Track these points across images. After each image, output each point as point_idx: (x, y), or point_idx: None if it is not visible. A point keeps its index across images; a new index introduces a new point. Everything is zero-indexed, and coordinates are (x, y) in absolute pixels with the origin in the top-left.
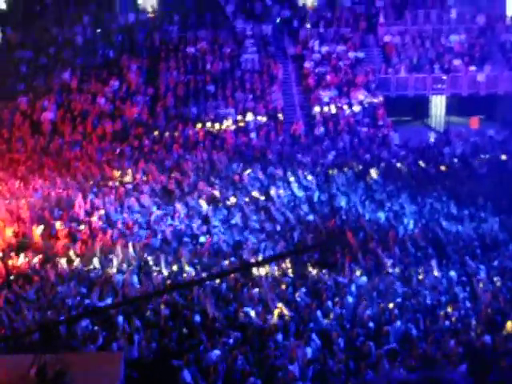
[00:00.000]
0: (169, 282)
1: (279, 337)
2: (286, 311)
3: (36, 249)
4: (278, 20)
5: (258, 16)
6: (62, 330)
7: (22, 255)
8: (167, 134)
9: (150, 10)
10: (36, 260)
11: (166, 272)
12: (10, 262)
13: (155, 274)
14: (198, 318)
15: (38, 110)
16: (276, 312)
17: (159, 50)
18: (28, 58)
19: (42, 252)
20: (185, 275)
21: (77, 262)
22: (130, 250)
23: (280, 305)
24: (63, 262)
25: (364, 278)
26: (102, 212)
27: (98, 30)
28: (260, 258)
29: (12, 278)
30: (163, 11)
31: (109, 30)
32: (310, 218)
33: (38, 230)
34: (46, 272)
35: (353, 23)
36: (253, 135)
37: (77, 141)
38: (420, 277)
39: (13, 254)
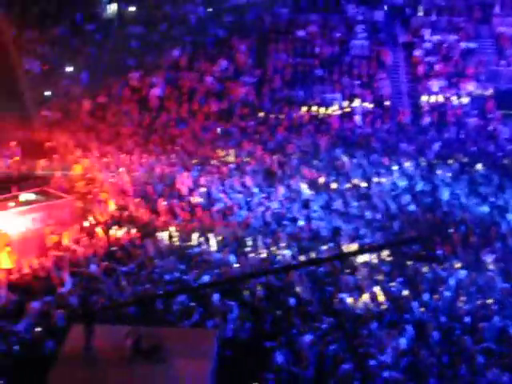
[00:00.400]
0: (266, 263)
1: (373, 325)
2: (381, 298)
3: (137, 223)
4: (385, 7)
5: (370, 2)
6: (159, 304)
7: (123, 228)
8: (272, 115)
9: None
10: (137, 234)
11: (263, 253)
12: (111, 235)
13: (253, 254)
14: (292, 301)
15: (146, 85)
16: (367, 296)
17: (269, 31)
18: (140, 34)
19: (143, 226)
20: (282, 257)
21: (176, 238)
22: (230, 229)
23: (376, 288)
24: (163, 237)
25: (463, 272)
26: (204, 190)
27: (210, 9)
28: (358, 245)
29: (113, 250)
30: None
31: (220, 10)
32: (412, 208)
33: (140, 204)
34: (146, 246)
35: (467, 13)
36: (358, 121)
37: (183, 118)
38: None
39: (115, 226)
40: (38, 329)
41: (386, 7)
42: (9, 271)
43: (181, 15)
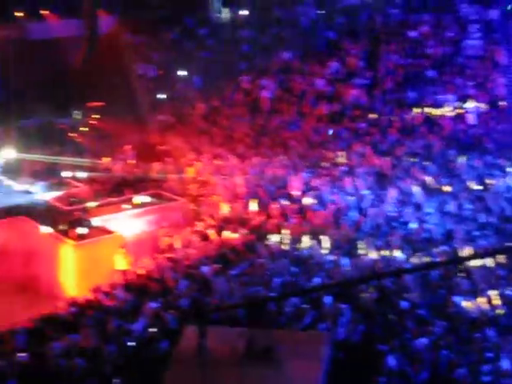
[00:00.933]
0: (378, 266)
1: (489, 330)
2: (497, 302)
3: (249, 225)
4: (508, 7)
5: (484, 1)
6: (271, 306)
7: (235, 231)
8: (384, 117)
9: None
10: (248, 236)
11: (375, 256)
12: (223, 237)
13: (365, 257)
14: (405, 304)
15: (257, 88)
16: (482, 300)
17: (380, 32)
18: (251, 37)
19: (254, 228)
20: (394, 260)
21: (288, 240)
22: (341, 231)
23: (491, 292)
24: (275, 239)
25: None
26: (316, 192)
27: (321, 11)
28: (472, 248)
29: (225, 252)
30: None
31: (331, 11)
32: None
33: (252, 207)
34: (258, 249)
35: None
36: (472, 122)
37: (294, 121)
38: None
39: (227, 228)
40: (153, 329)
41: (508, 7)
42: (124, 272)
43: (292, 18)
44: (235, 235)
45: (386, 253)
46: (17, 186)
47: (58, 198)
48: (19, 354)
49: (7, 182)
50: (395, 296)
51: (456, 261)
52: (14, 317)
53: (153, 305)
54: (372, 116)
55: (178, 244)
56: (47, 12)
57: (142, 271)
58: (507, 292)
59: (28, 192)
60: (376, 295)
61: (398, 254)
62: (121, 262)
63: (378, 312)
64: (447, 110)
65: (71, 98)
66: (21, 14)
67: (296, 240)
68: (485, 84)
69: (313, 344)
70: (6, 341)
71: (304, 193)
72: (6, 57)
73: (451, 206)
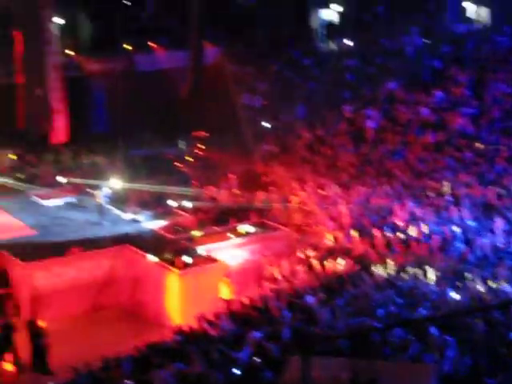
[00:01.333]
0: (485, 297)
1: None
2: None
3: (353, 255)
4: None
5: None
6: (375, 337)
7: (339, 260)
8: (491, 146)
9: (479, 20)
10: (352, 266)
11: (482, 288)
12: (327, 266)
13: (472, 288)
14: None
15: (361, 118)
16: None
17: (488, 60)
18: (355, 66)
19: (359, 258)
20: (503, 292)
21: (393, 270)
22: (447, 262)
23: None
24: (379, 269)
25: None
26: (420, 222)
27: (426, 41)
28: None
29: (329, 281)
30: (493, 22)
31: (437, 41)
32: None
33: (356, 237)
34: (363, 279)
35: None
36: None
37: (398, 150)
38: None
39: (330, 258)
40: (257, 359)
41: None
42: (228, 301)
43: (398, 47)
44: (339, 265)
45: (493, 284)
46: (124, 215)
47: (164, 227)
48: (126, 381)
49: (115, 211)
50: (504, 328)
51: None
52: (120, 344)
53: (256, 334)
54: (478, 145)
55: (281, 273)
56: (154, 44)
57: (245, 300)
58: None
59: (135, 221)
60: (484, 327)
61: (505, 285)
62: (225, 291)
63: (486, 344)
64: None
65: (177, 128)
66: (129, 47)
67: (401, 270)
68: None
69: (418, 376)
70: (113, 368)
71: (409, 222)
72: (114, 89)
73: None
